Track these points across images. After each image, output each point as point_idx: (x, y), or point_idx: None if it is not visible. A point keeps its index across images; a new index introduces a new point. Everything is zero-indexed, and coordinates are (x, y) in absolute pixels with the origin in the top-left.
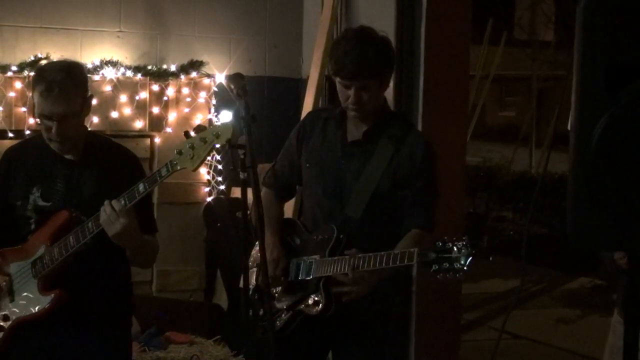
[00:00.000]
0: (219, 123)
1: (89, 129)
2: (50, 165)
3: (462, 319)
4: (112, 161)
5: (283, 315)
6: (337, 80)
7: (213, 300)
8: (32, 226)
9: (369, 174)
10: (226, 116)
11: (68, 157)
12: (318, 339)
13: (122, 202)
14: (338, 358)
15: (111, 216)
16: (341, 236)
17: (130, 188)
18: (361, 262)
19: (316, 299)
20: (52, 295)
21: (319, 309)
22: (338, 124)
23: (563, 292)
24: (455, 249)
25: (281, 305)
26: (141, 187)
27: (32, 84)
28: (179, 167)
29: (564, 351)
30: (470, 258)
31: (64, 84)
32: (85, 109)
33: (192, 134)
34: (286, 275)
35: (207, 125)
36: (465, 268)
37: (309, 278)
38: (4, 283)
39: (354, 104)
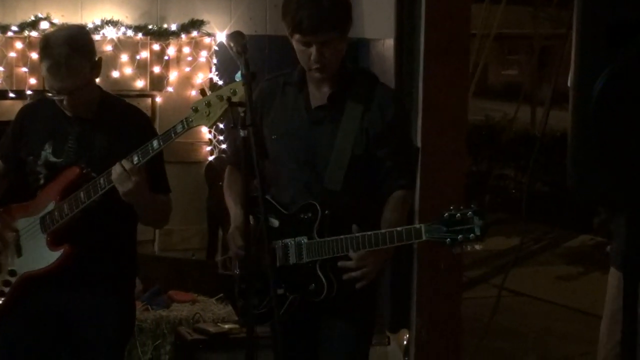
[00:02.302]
0: (236, 79)
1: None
2: (64, 122)
3: (463, 276)
4: (125, 121)
5: (280, 303)
6: (296, 38)
7: (215, 258)
8: (41, 181)
9: (342, 139)
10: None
11: (81, 115)
12: (310, 317)
13: (136, 158)
14: (319, 336)
15: (122, 174)
16: (326, 212)
17: (145, 144)
18: (362, 242)
19: (317, 285)
20: (61, 250)
21: (322, 296)
22: (298, 89)
23: (565, 250)
24: (466, 218)
25: (279, 292)
26: (155, 143)
27: (39, 56)
28: (194, 124)
29: (564, 308)
30: (485, 226)
31: (70, 59)
32: (95, 72)
33: (209, 92)
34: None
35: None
36: (482, 238)
37: (302, 262)
38: (11, 238)
39: (317, 63)
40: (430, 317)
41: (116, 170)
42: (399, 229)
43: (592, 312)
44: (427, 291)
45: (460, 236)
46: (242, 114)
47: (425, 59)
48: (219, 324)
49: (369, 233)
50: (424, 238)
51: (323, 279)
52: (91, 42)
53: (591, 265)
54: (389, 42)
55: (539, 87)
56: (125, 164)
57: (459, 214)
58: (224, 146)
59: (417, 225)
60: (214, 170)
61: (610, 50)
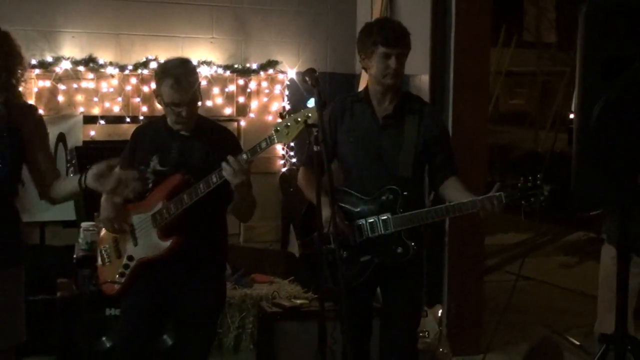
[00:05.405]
0: (309, 106)
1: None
2: (168, 138)
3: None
4: (217, 137)
5: (366, 266)
6: (381, 51)
7: (287, 248)
8: (150, 185)
9: (408, 139)
10: (312, 102)
11: (182, 133)
12: (371, 277)
13: (245, 156)
14: (387, 291)
15: (236, 170)
16: (404, 193)
17: (236, 157)
18: (447, 210)
19: (404, 248)
20: (171, 240)
21: (408, 257)
22: (365, 104)
23: (564, 243)
24: (536, 185)
25: (365, 258)
26: (244, 156)
27: (159, 79)
28: (276, 142)
29: (564, 290)
30: (551, 189)
31: (187, 76)
32: (200, 94)
33: (287, 116)
34: (359, 233)
35: (290, 111)
36: (548, 196)
37: (387, 232)
38: (129, 229)
39: (395, 70)
40: (458, 295)
41: (232, 165)
42: (481, 197)
43: (586, 293)
44: (456, 275)
45: (532, 198)
46: (315, 133)
47: (454, 91)
48: (292, 299)
49: (456, 203)
50: (504, 202)
51: (408, 243)
52: (195, 68)
53: (585, 256)
54: (425, 77)
55: (540, 114)
56: (240, 160)
57: (530, 182)
58: (294, 160)
59: (497, 193)
60: (286, 179)
61: (606, 80)
